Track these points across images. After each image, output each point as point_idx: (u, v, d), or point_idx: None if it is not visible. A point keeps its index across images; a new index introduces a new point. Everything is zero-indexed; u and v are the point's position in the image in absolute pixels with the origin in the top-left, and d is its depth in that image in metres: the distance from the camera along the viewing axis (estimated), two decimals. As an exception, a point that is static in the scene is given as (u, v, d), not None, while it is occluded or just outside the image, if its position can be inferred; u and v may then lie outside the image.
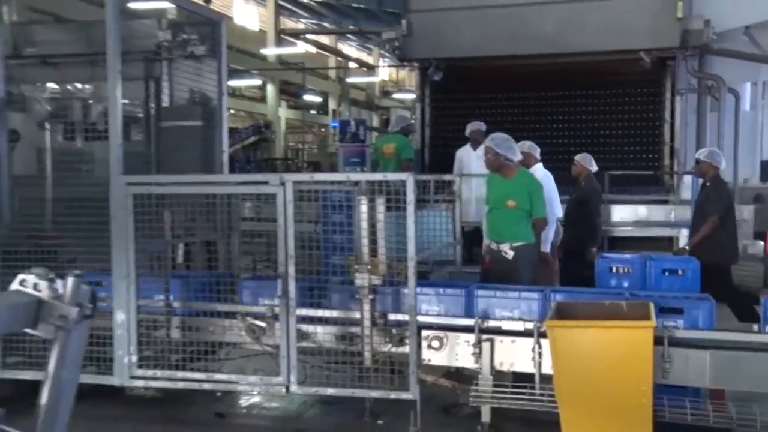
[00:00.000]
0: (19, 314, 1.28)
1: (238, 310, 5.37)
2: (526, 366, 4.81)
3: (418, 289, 4.99)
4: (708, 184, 7.31)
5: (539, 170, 7.29)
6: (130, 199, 5.13)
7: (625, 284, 5.53)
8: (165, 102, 6.60)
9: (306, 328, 5.14)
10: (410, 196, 4.77)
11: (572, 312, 4.54)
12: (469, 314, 5.16)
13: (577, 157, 8.40)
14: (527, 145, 7.31)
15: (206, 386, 5.26)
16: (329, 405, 5.59)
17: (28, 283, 1.31)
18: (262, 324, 5.23)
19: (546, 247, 6.76)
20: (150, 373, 5.20)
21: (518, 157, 6.22)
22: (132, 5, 6.04)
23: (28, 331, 1.32)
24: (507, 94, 10.49)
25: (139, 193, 5.16)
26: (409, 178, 4.79)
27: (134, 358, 5.15)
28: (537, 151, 7.45)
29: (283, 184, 4.92)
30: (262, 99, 30.06)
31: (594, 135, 10.34)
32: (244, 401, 5.89)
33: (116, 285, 5.09)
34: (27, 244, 5.47)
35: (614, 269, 5.64)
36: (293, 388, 4.99)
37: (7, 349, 5.25)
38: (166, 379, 5.22)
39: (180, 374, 5.23)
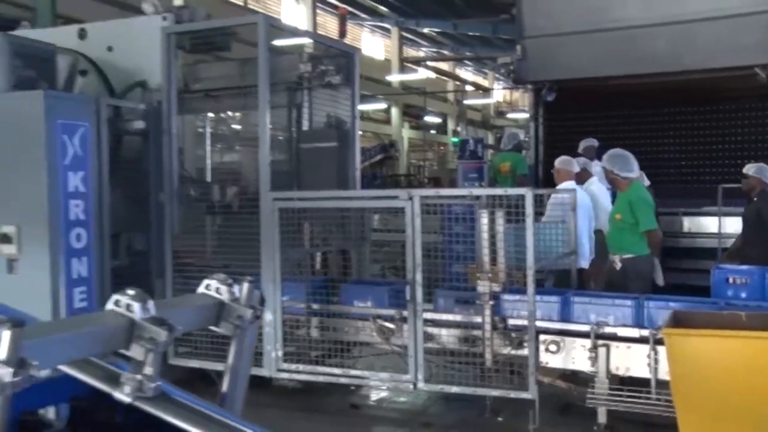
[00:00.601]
0: (205, 314, 1.38)
1: (370, 313, 5.47)
2: (642, 371, 4.63)
3: (518, 296, 4.93)
4: (755, 198, 6.96)
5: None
6: (276, 212, 5.34)
7: (743, 295, 5.18)
8: (305, 126, 6.82)
9: (431, 330, 5.17)
10: (529, 209, 4.71)
11: (689, 321, 4.32)
12: (564, 319, 5.06)
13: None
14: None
15: (342, 380, 5.39)
16: (451, 401, 5.59)
17: (212, 287, 1.40)
18: (391, 326, 5.30)
19: (583, 263, 6.52)
20: (293, 366, 5.38)
21: (630, 173, 6.01)
22: (277, 43, 6.29)
23: (212, 328, 1.41)
24: (619, 111, 10.13)
25: (284, 207, 5.36)
26: (528, 193, 4.74)
27: (280, 353, 5.35)
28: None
29: (411, 198, 4.98)
30: (387, 121, 30.50)
31: (707, 150, 9.81)
32: (374, 395, 5.98)
33: (265, 288, 5.29)
34: (191, 251, 5.80)
35: (731, 280, 5.31)
36: (420, 385, 5.03)
37: (178, 341, 5.57)
38: (307, 372, 5.39)
39: (320, 369, 5.39)
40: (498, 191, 5.32)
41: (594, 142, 8.84)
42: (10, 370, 0.95)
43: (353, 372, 5.35)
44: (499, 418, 5.22)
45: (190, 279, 5.61)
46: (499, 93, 36.88)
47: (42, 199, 5.04)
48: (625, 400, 4.64)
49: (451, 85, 32.82)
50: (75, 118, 5.21)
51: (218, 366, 5.23)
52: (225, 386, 1.40)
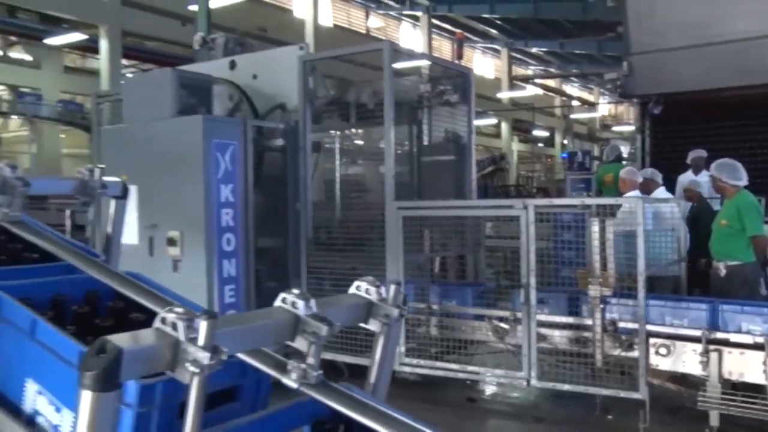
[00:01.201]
0: (357, 312, 1.43)
1: (485, 314, 5.41)
2: (757, 377, 4.32)
3: (628, 300, 4.72)
4: None
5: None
6: (400, 220, 5.40)
7: None
8: (425, 141, 6.87)
9: (544, 331, 5.06)
10: (640, 218, 4.53)
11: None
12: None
13: (686, 186, 7.50)
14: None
15: (460, 375, 5.36)
16: (561, 398, 5.43)
17: (362, 288, 1.45)
18: (506, 326, 5.23)
19: None
20: (414, 361, 5.42)
21: (738, 181, 5.62)
22: (399, 65, 6.37)
23: (361, 325, 1.46)
24: (726, 122, 9.50)
25: (407, 215, 5.42)
26: (638, 203, 4.55)
27: (402, 349, 5.40)
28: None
29: (525, 207, 4.91)
30: (497, 135, 30.20)
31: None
32: (488, 390, 5.91)
33: (390, 290, 5.34)
34: (322, 255, 5.96)
35: None
36: (533, 382, 4.93)
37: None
38: (428, 367, 5.41)
39: (438, 364, 5.39)
40: (609, 201, 5.14)
41: (703, 153, 8.37)
42: (207, 354, 1.04)
43: (470, 368, 5.31)
44: (609, 417, 5.03)
45: (321, 279, 5.79)
46: (605, 107, 35.60)
47: (199, 208, 5.37)
48: (738, 405, 4.33)
49: (558, 100, 32.03)
50: (226, 138, 5.53)
51: (347, 358, 5.39)
52: (372, 377, 1.44)
